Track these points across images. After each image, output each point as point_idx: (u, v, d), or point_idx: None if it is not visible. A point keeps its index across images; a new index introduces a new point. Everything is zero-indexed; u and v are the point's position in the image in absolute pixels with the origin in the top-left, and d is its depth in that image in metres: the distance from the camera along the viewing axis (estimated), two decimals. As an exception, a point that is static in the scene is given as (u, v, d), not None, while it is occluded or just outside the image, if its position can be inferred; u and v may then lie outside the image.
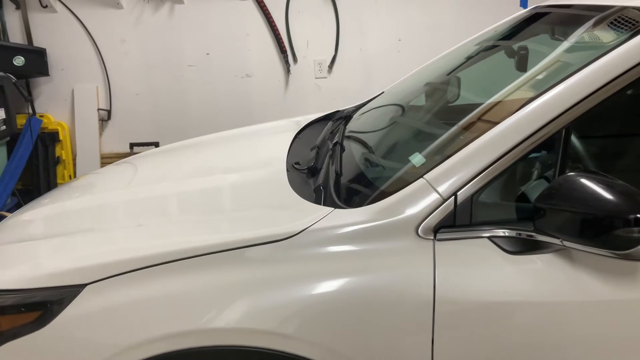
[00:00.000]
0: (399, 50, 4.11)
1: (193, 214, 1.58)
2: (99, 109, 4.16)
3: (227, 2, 4.02)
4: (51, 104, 4.17)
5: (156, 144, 4.09)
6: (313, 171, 1.72)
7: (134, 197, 1.78)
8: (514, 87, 1.55)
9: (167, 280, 1.28)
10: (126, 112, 4.20)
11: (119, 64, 4.13)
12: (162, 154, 2.38)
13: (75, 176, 4.13)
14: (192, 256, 1.30)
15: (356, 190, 1.52)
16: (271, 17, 4.02)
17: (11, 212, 2.38)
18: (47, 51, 4.05)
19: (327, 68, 4.12)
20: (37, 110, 4.12)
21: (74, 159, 4.17)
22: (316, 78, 4.16)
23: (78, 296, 1.27)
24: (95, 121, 4.16)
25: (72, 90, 4.15)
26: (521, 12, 2.18)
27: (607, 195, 1.12)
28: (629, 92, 2.16)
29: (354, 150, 1.81)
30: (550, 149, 1.32)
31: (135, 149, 4.11)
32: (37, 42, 4.05)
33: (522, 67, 1.81)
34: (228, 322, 1.24)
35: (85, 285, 1.28)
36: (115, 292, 1.28)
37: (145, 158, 2.37)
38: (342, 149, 1.78)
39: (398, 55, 4.12)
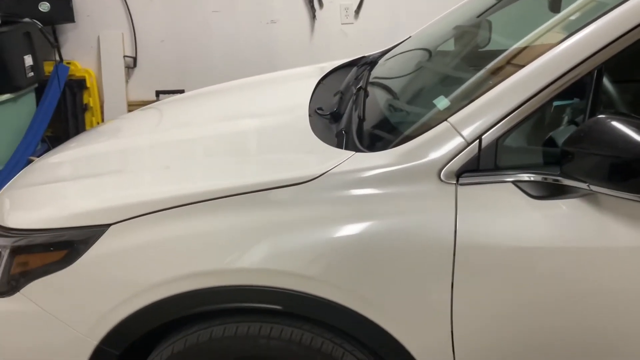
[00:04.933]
0: (428, -7, 3.98)
1: (218, 157, 1.59)
2: (124, 56, 4.16)
3: (253, -54, 3.92)
4: (78, 51, 4.18)
5: (181, 92, 4.08)
6: (336, 116, 1.70)
7: (160, 141, 1.80)
8: (546, 28, 1.50)
9: (192, 221, 1.29)
10: (152, 60, 4.19)
11: (143, 10, 4.09)
12: (187, 100, 2.39)
13: (103, 123, 4.17)
14: (217, 197, 1.30)
15: (379, 134, 1.50)
16: (296, -41, 3.92)
17: (40, 157, 2.42)
18: (72, -4, 4.03)
19: (354, 13, 4.02)
20: (64, 57, 4.12)
21: (102, 107, 4.21)
22: (342, 24, 4.06)
23: (103, 236, 1.30)
24: (122, 68, 4.16)
25: (98, 37, 4.14)
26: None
27: (638, 138, 1.08)
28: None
29: (377, 96, 1.78)
30: (581, 92, 1.28)
31: (161, 96, 4.12)
32: (62, -13, 4.03)
33: (555, 7, 1.73)
34: (252, 262, 1.26)
35: (109, 225, 1.31)
36: (140, 233, 1.30)
37: (171, 103, 2.38)
38: (366, 95, 1.75)
39: (427, -2, 3.99)
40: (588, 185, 1.15)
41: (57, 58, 3.97)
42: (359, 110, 1.62)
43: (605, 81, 1.50)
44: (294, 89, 2.17)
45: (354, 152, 1.35)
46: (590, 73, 1.20)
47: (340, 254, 1.24)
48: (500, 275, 1.22)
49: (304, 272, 1.24)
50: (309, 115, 1.70)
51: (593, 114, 1.20)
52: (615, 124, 1.12)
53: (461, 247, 1.20)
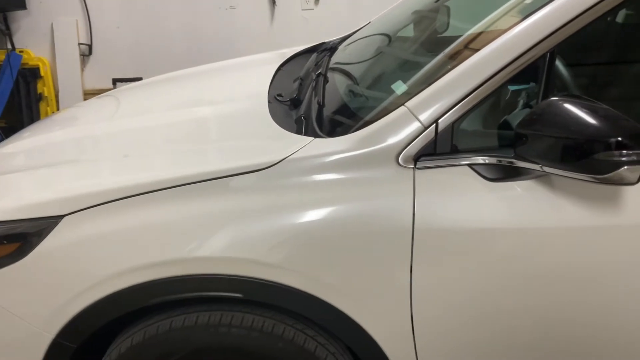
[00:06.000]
0: (388, -21, 3.98)
1: (177, 145, 1.57)
2: (79, 44, 4.05)
3: None
4: (30, 39, 4.05)
5: (139, 80, 4.00)
6: (295, 102, 1.70)
7: (118, 129, 1.76)
8: (502, 12, 1.51)
9: (151, 210, 1.28)
10: (108, 47, 4.09)
11: (98, -5, 3.99)
12: (145, 87, 2.35)
13: (59, 113, 4.07)
14: (176, 185, 1.29)
15: (338, 120, 1.50)
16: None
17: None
18: (23, -18, 3.89)
19: (314, -1, 4.00)
20: (16, 45, 4.00)
21: (57, 96, 4.10)
22: (302, 9, 4.04)
23: (56, 227, 1.27)
24: (77, 56, 4.05)
25: (51, 24, 4.02)
26: None
27: (589, 119, 1.10)
28: (617, 19, 2.12)
29: (337, 82, 1.78)
30: (534, 76, 1.30)
31: (118, 84, 4.03)
32: (12, -28, 3.89)
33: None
34: (212, 251, 1.25)
35: (63, 216, 1.27)
36: (95, 223, 1.27)
37: (129, 91, 2.33)
38: (326, 80, 1.75)
39: (388, -15, 3.99)
40: (541, 167, 1.17)
41: (9, 46, 3.85)
42: (318, 96, 1.62)
43: (558, 64, 1.54)
44: (254, 76, 2.15)
45: (313, 138, 1.34)
46: (542, 56, 1.22)
47: (300, 240, 1.24)
48: (457, 257, 1.23)
49: (265, 259, 1.24)
50: (269, 102, 1.69)
51: (546, 96, 1.23)
52: (568, 106, 1.14)
53: (419, 230, 1.22)
